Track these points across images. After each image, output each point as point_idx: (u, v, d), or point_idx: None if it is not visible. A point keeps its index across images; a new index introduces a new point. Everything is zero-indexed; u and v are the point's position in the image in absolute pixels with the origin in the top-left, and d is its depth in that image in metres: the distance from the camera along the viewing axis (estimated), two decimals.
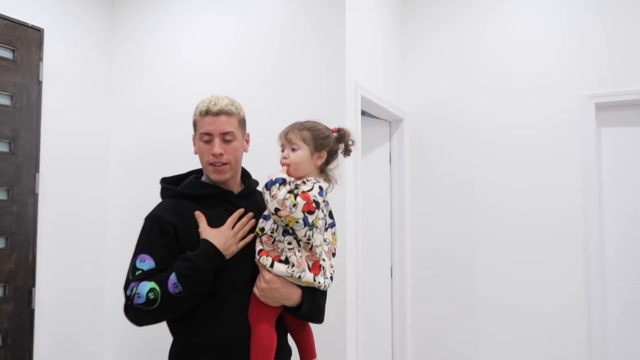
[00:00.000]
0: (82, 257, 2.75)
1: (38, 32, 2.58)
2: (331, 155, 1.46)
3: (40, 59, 2.58)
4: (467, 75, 3.14)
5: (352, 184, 2.41)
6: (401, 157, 3.22)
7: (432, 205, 3.18)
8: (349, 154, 1.51)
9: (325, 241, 1.42)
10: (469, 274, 3.07)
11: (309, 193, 1.34)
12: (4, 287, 2.37)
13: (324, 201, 1.38)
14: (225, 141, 1.42)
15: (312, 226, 1.34)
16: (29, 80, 2.53)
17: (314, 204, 1.33)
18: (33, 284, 2.48)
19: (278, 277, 1.35)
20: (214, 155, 1.41)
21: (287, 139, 1.44)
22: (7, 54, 2.46)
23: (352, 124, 2.43)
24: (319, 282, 1.38)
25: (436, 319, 3.13)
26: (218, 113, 1.41)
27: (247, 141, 1.55)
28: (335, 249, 1.49)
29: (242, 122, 1.49)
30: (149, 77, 2.89)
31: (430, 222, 3.19)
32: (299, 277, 1.35)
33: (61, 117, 2.69)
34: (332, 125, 1.50)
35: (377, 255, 3.14)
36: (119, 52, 3.00)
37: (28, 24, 2.54)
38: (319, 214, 1.35)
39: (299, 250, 1.36)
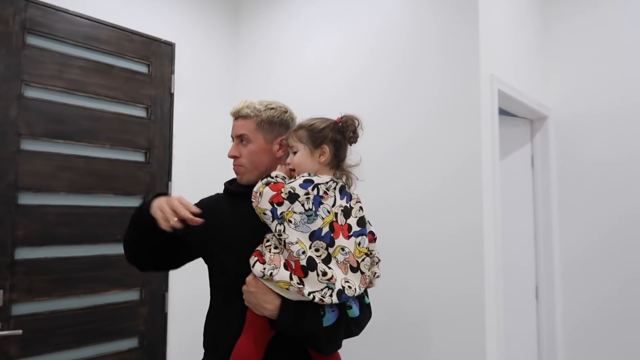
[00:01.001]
0: None
1: (170, 46, 2.69)
2: (337, 148, 1.34)
3: (172, 71, 2.70)
4: (631, 59, 2.64)
5: (489, 190, 2.12)
6: (546, 159, 2.82)
7: (586, 214, 2.73)
8: (355, 141, 1.37)
9: (342, 250, 1.23)
10: (634, 294, 2.56)
11: (286, 184, 1.26)
12: (140, 291, 2.48)
13: (306, 194, 1.24)
14: (242, 143, 1.44)
15: (281, 219, 1.22)
16: (162, 93, 2.65)
17: (284, 195, 1.23)
18: (166, 289, 2.58)
19: (256, 281, 1.25)
20: (229, 156, 1.47)
21: (288, 145, 1.38)
22: (143, 69, 2.59)
23: (489, 122, 2.15)
24: (300, 286, 1.18)
25: (593, 347, 2.67)
26: (236, 116, 1.46)
27: (281, 145, 1.45)
28: (358, 263, 1.25)
29: (261, 124, 1.43)
30: (272, 84, 2.88)
31: (584, 234, 2.73)
32: (271, 274, 1.20)
33: (191, 128, 2.78)
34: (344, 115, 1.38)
35: (518, 271, 2.77)
36: (243, 62, 3.04)
37: (161, 39, 2.66)
38: (294, 207, 1.22)
39: (275, 247, 1.25)
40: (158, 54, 2.64)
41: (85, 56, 2.36)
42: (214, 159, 2.88)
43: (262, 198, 1.24)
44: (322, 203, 1.25)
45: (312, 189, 1.25)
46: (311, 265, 1.19)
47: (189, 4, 2.83)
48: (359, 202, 1.35)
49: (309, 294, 1.18)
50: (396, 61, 2.35)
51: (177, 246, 1.47)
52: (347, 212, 1.29)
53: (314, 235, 1.22)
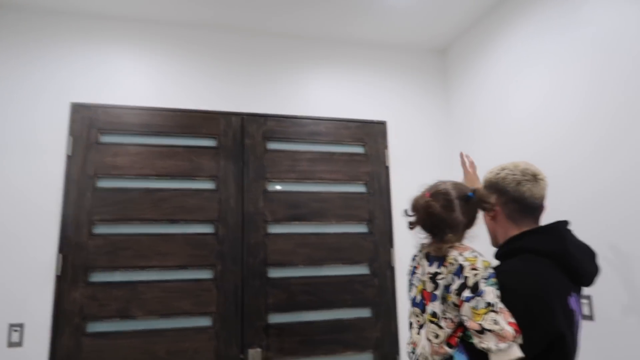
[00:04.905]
0: None
1: (382, 125, 2.98)
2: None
3: (386, 147, 2.96)
4: None
5: None
6: None
7: None
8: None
9: (465, 316, 1.19)
10: None
11: None
12: (372, 353, 2.68)
13: (410, 265, 1.43)
14: None
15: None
16: (378, 168, 2.92)
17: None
18: (397, 352, 2.70)
19: None
20: None
21: None
22: (359, 150, 2.93)
23: None
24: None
25: None
26: None
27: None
28: (480, 327, 1.14)
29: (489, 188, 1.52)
30: (481, 143, 2.83)
31: None
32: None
33: (409, 196, 2.93)
34: None
35: None
36: (455, 127, 3.10)
37: (373, 120, 2.97)
38: (411, 277, 1.40)
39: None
40: (371, 134, 2.96)
41: (311, 149, 2.83)
42: None
43: None
44: (414, 272, 1.38)
45: (412, 260, 1.42)
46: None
47: (398, 81, 3.10)
48: (453, 264, 1.22)
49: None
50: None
51: None
52: (433, 279, 1.29)
53: (413, 303, 1.34)
